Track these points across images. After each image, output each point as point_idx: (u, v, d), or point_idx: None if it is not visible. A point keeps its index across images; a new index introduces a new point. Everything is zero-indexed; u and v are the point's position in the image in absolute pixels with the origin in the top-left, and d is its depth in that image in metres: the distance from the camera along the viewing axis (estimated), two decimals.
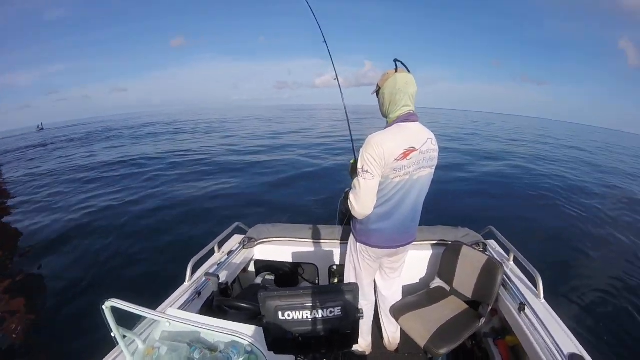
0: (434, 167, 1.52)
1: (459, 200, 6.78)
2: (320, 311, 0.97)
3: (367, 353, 1.98)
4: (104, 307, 0.96)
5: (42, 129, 39.00)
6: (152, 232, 5.43)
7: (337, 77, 2.34)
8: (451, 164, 10.37)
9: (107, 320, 1.00)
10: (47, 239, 5.41)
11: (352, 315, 0.99)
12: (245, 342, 0.84)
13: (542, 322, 1.46)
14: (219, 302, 1.61)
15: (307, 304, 0.97)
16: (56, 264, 4.56)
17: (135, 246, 4.95)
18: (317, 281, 2.37)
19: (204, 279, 1.80)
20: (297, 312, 0.96)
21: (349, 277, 1.79)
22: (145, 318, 1.24)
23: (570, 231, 5.56)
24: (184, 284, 1.81)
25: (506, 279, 1.79)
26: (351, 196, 1.46)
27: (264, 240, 2.33)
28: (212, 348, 1.10)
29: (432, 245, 2.19)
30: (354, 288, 0.99)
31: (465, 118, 63.28)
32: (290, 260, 2.31)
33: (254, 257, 2.35)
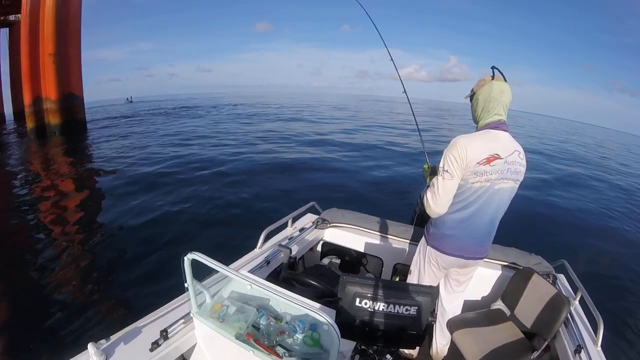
0: (519, 182, 1.48)
1: (539, 220, 6.25)
2: (396, 307, 0.99)
3: (412, 358, 1.97)
4: (185, 258, 1.07)
5: (132, 101, 42.55)
6: (233, 194, 6.14)
7: (405, 91, 2.45)
8: (537, 179, 9.44)
9: (184, 270, 1.10)
10: (141, 183, 6.54)
11: (425, 318, 1.00)
12: (322, 320, 0.88)
13: None
14: (289, 275, 1.70)
15: (386, 297, 0.99)
16: (140, 206, 5.42)
17: (217, 202, 5.67)
18: (380, 275, 2.41)
19: (275, 249, 1.92)
20: (375, 303, 0.99)
21: (411, 280, 1.80)
22: (215, 274, 1.36)
23: None
24: (255, 250, 1.96)
25: (569, 317, 1.72)
26: (428, 194, 1.48)
27: (336, 224, 2.43)
28: (278, 317, 1.18)
29: (502, 266, 2.10)
30: (434, 292, 1.01)
31: (549, 124, 57.86)
32: (357, 248, 2.39)
33: (323, 238, 2.46)
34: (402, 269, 2.28)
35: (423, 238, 1.69)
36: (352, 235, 2.38)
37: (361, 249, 2.38)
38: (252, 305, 1.24)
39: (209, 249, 3.65)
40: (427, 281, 1.69)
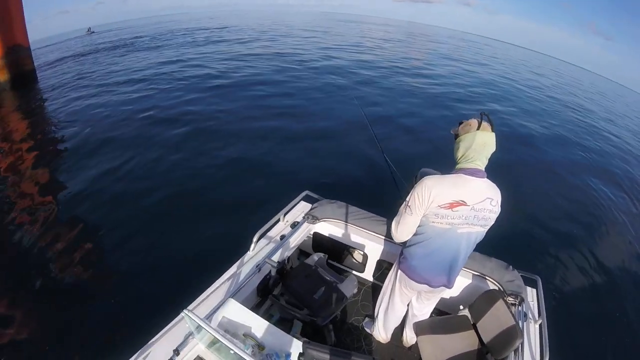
0: (487, 227, 1.68)
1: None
2: None
3: (386, 342, 2.46)
4: (184, 315, 1.37)
5: (93, 32, 40.94)
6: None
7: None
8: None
9: (190, 324, 1.44)
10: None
11: None
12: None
13: None
14: (275, 302, 2.23)
15: None
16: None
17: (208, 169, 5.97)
18: (364, 269, 2.92)
19: (264, 257, 2.33)
20: None
21: (384, 291, 2.19)
22: (210, 296, 1.93)
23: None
24: (248, 252, 2.39)
25: (520, 346, 1.96)
26: (394, 221, 1.78)
27: (326, 219, 2.80)
28: (260, 345, 1.58)
29: (477, 276, 2.47)
30: None
31: (535, 59, 57.57)
32: (345, 242, 2.82)
33: (314, 230, 2.86)
34: (383, 265, 2.78)
35: (397, 260, 2.00)
36: (340, 230, 2.79)
37: (349, 243, 2.81)
38: (239, 333, 1.65)
39: (209, 247, 4.05)
40: (397, 297, 2.07)
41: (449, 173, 1.66)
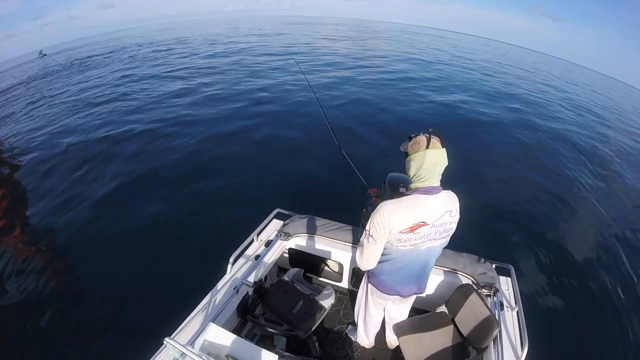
0: (449, 236, 1.74)
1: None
2: None
3: (369, 347, 2.58)
4: (165, 343, 1.44)
5: (45, 54, 40.00)
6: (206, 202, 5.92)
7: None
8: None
9: (172, 350, 1.48)
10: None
11: None
12: None
13: None
14: (253, 322, 2.26)
15: None
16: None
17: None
18: (341, 278, 3.06)
19: (240, 278, 2.42)
20: None
21: (359, 302, 2.29)
22: (190, 322, 1.98)
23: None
24: (225, 276, 2.46)
25: (498, 335, 2.09)
26: (357, 251, 1.82)
27: (299, 234, 2.92)
28: None
29: (451, 272, 2.61)
30: None
31: (486, 47, 59.00)
32: (319, 254, 2.94)
33: (289, 247, 2.99)
34: (359, 272, 2.91)
35: (366, 273, 2.09)
36: (314, 243, 2.91)
37: (323, 254, 2.93)
38: (222, 353, 1.67)
39: (185, 274, 4.02)
40: (372, 307, 2.18)
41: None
